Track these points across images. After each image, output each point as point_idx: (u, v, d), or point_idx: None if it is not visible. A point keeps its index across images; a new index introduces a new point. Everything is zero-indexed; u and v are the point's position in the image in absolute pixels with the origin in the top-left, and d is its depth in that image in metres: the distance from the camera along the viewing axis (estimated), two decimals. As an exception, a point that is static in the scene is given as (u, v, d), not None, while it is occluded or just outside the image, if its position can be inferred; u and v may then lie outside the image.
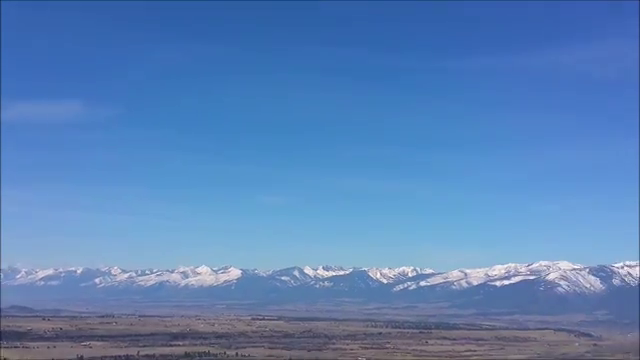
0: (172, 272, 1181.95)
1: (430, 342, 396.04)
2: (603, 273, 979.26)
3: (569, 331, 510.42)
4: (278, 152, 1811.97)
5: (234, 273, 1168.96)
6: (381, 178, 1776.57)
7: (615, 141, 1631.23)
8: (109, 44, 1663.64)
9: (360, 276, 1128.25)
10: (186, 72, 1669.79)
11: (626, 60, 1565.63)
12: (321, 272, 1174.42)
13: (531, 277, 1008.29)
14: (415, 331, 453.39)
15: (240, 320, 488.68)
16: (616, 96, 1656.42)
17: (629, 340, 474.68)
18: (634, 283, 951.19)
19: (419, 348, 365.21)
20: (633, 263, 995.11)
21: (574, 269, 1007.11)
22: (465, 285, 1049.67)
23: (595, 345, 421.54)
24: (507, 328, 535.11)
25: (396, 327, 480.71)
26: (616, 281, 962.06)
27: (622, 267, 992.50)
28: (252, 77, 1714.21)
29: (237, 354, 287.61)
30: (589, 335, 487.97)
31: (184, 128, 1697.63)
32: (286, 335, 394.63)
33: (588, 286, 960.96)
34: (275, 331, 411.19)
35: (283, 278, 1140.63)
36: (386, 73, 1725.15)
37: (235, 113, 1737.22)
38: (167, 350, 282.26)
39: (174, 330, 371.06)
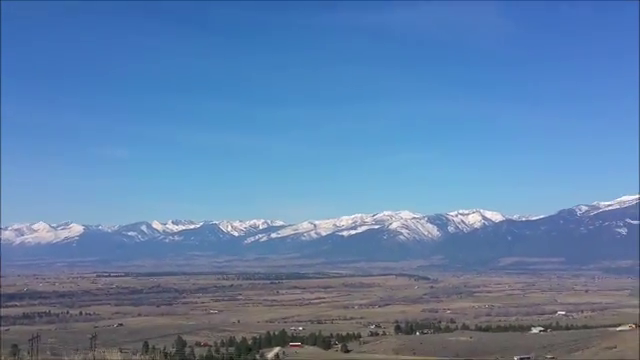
0: (5, 229, 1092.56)
1: (281, 292, 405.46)
2: (440, 221, 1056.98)
3: (409, 275, 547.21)
4: (124, 105, 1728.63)
5: (75, 229, 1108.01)
6: (232, 132, 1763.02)
7: (452, 97, 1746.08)
8: None
9: (211, 229, 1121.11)
10: (15, 15, 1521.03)
11: (451, 21, 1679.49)
12: (170, 226, 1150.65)
13: (376, 226, 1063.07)
14: (266, 282, 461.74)
15: (84, 278, 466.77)
16: (452, 55, 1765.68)
17: (461, 281, 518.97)
18: (467, 230, 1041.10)
19: (270, 298, 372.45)
20: (466, 211, 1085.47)
21: (414, 218, 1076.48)
22: (314, 236, 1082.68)
23: (432, 287, 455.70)
24: (353, 275, 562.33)
25: (247, 279, 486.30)
26: (451, 228, 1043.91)
27: (456, 215, 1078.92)
28: (94, 22, 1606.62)
29: (81, 313, 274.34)
30: (427, 278, 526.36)
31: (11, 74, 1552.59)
32: (134, 291, 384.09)
33: (426, 233, 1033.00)
34: (122, 288, 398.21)
35: (130, 233, 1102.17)
36: (239, 28, 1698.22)
37: (79, 61, 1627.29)
38: (2, 312, 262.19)
39: (10, 291, 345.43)
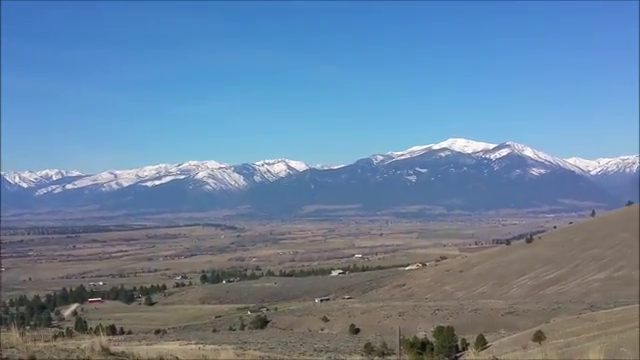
0: None
1: (78, 246, 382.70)
2: (246, 171, 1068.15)
3: (216, 225, 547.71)
4: None
5: None
6: (16, 72, 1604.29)
7: (257, 48, 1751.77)
8: None
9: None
10: None
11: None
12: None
13: (181, 176, 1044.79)
14: (62, 236, 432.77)
15: None
16: (261, 6, 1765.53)
17: (266, 229, 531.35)
18: (272, 179, 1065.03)
19: (66, 253, 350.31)
20: (272, 161, 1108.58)
21: (221, 168, 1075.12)
22: (115, 187, 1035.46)
23: (238, 236, 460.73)
24: (158, 227, 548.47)
25: (40, 233, 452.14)
26: (257, 178, 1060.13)
27: (262, 165, 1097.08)
28: None
29: None
30: (233, 228, 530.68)
31: None
32: None
33: (233, 183, 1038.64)
34: None
35: None
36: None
37: None
38: None
39: None
